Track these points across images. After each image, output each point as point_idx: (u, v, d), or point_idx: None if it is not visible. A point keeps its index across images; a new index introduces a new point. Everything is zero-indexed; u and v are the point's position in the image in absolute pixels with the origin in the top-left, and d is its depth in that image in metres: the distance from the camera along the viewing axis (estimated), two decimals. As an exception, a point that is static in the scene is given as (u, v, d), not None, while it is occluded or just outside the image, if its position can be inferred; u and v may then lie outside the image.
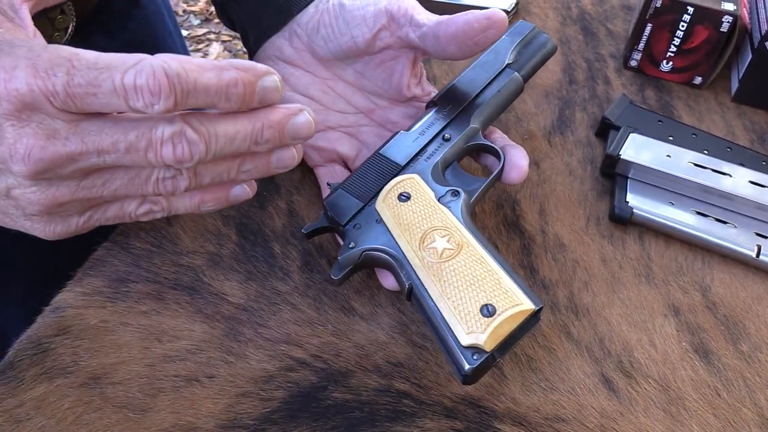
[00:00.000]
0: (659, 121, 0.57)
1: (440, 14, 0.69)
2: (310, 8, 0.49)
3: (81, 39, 0.54)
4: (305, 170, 0.53)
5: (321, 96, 0.51)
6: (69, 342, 0.41)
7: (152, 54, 0.32)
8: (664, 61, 0.63)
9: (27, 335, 0.42)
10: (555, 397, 0.40)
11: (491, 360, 0.37)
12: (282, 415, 0.39)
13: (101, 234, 0.47)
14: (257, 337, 0.42)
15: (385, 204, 0.43)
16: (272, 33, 0.50)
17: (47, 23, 0.50)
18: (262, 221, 0.49)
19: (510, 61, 0.50)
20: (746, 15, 0.63)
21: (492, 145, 0.47)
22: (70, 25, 0.52)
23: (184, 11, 2.50)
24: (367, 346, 0.42)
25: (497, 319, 0.36)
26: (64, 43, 0.52)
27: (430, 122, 0.47)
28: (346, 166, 0.51)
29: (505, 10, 0.69)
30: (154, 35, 0.64)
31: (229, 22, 0.54)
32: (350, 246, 0.42)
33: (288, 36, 0.50)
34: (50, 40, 0.51)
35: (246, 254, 0.47)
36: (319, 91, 0.51)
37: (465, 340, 0.36)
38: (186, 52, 0.73)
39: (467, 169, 0.51)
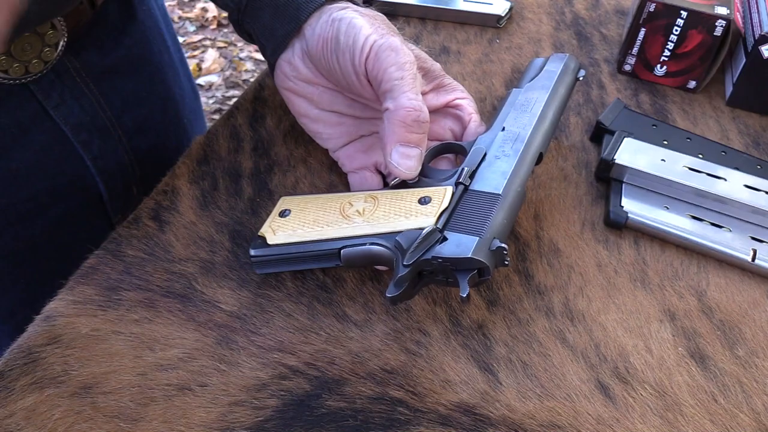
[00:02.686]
0: (654, 125, 0.57)
1: (435, 20, 0.69)
2: (317, 28, 0.48)
3: (73, 54, 0.54)
4: (298, 176, 0.53)
5: (347, 108, 0.52)
6: (60, 351, 0.41)
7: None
8: (658, 66, 0.63)
9: (17, 344, 0.41)
10: (551, 404, 0.40)
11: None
12: (275, 423, 0.38)
13: (93, 242, 0.47)
14: (250, 345, 0.42)
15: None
16: (287, 42, 0.50)
17: (37, 38, 0.49)
18: (255, 227, 0.49)
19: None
20: (739, 19, 0.63)
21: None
22: (61, 41, 0.51)
23: (180, 18, 2.51)
24: (361, 354, 0.42)
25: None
26: (56, 59, 0.51)
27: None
28: (377, 170, 0.51)
29: (499, 16, 0.69)
30: (150, 51, 0.63)
31: (248, 36, 0.54)
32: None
33: (301, 56, 0.50)
34: (40, 55, 0.50)
35: (239, 261, 0.46)
36: (344, 105, 0.51)
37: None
38: (184, 67, 0.72)
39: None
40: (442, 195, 0.44)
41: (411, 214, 0.43)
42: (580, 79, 0.55)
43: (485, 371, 0.41)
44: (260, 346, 0.42)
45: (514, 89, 0.53)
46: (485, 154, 0.47)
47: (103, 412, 0.38)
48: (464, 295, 0.39)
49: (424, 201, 0.43)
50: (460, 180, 0.45)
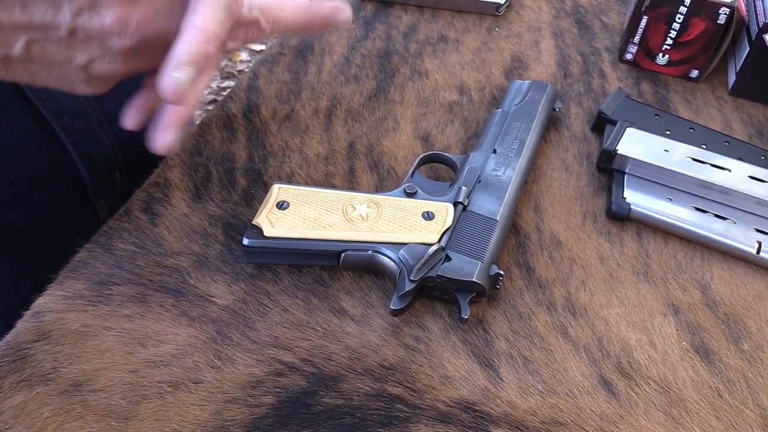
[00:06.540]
0: (656, 115, 0.56)
1: (433, 8, 0.68)
2: None
3: None
4: (294, 167, 0.51)
5: None
6: (49, 348, 0.40)
7: None
8: (660, 54, 0.62)
9: (6, 341, 0.40)
10: (553, 400, 0.39)
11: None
12: (271, 421, 0.37)
13: (77, 229, 0.46)
14: (245, 341, 0.41)
15: None
16: None
17: None
18: (249, 220, 0.47)
19: None
20: (743, 7, 0.62)
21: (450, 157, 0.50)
22: None
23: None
24: (359, 349, 0.41)
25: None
26: None
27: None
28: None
29: (498, 3, 0.67)
30: None
31: None
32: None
33: None
34: None
35: (233, 254, 0.45)
36: None
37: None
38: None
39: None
40: (444, 213, 0.45)
41: (415, 228, 0.44)
42: (556, 110, 0.56)
43: (486, 367, 0.41)
44: (255, 342, 0.41)
45: (498, 110, 0.54)
46: (479, 175, 0.48)
47: (93, 411, 0.37)
48: (466, 317, 0.41)
49: (427, 216, 0.45)
50: (459, 200, 0.46)
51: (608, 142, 0.52)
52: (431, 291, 0.43)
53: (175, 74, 0.38)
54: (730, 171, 0.50)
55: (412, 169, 0.49)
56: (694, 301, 0.45)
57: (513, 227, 0.48)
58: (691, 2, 0.58)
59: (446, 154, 0.51)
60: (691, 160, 0.51)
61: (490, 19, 0.68)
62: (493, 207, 0.46)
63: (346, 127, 0.55)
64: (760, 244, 0.47)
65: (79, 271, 0.44)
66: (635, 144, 0.51)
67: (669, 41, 0.61)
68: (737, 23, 0.59)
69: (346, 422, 0.38)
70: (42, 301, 0.42)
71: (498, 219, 0.45)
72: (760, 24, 0.57)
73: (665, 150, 0.51)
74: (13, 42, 0.35)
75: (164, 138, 0.42)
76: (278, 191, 0.46)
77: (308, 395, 0.39)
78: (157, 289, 0.43)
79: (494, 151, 0.50)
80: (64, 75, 0.37)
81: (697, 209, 0.49)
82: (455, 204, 0.46)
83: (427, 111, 0.57)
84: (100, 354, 0.40)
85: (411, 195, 0.46)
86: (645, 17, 0.60)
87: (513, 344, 0.42)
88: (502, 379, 0.40)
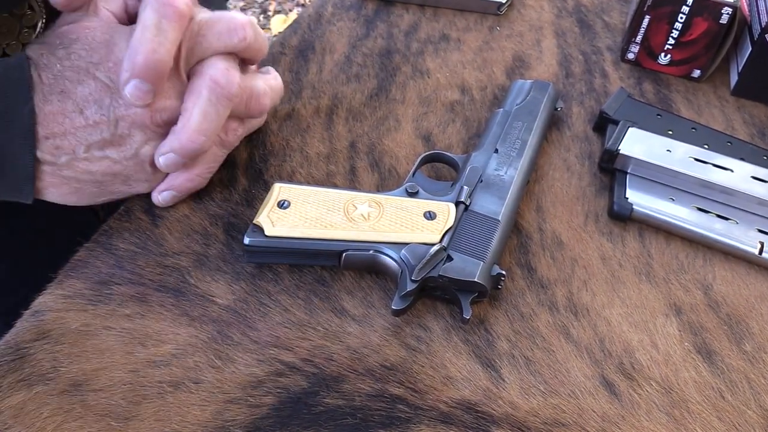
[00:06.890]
0: (658, 115, 0.56)
1: (434, 7, 0.68)
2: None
3: None
4: (294, 166, 0.51)
5: None
6: (49, 347, 0.40)
7: None
8: (663, 54, 0.62)
9: (5, 340, 0.40)
10: (555, 401, 0.39)
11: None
12: (271, 422, 0.37)
13: (82, 235, 0.46)
14: (245, 341, 0.41)
15: None
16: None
17: (14, 20, 0.48)
18: (250, 219, 0.47)
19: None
20: (746, 7, 0.62)
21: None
22: (39, 22, 0.49)
23: None
24: (360, 350, 0.41)
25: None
26: (34, 39, 0.50)
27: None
28: None
29: (500, 2, 0.67)
30: None
31: None
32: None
33: None
34: (18, 36, 0.48)
35: (233, 254, 0.45)
36: None
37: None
38: None
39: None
40: (446, 213, 0.45)
41: (417, 227, 0.44)
42: (558, 110, 0.56)
43: (487, 367, 0.40)
44: (256, 342, 0.41)
45: (500, 110, 0.54)
46: (481, 174, 0.48)
47: (93, 411, 0.37)
48: (467, 317, 0.41)
49: (429, 216, 0.45)
50: (461, 199, 0.46)
51: (610, 142, 0.51)
52: (433, 291, 0.43)
53: (158, 158, 0.43)
54: (732, 171, 0.50)
55: (413, 168, 0.49)
56: (696, 301, 0.45)
57: (515, 227, 0.48)
58: (693, 2, 0.57)
59: (448, 154, 0.50)
60: (693, 160, 0.51)
61: (491, 18, 0.68)
62: (495, 207, 0.46)
63: (347, 126, 0.55)
64: (762, 244, 0.47)
65: (79, 270, 0.44)
66: (637, 144, 0.51)
67: (671, 41, 0.60)
68: (739, 23, 0.59)
69: (347, 423, 0.37)
70: (42, 300, 0.42)
71: (500, 219, 0.45)
72: (763, 24, 0.57)
73: (667, 150, 0.51)
74: (76, 145, 0.41)
75: (156, 196, 0.46)
76: (279, 190, 0.46)
77: (309, 395, 0.38)
78: (157, 289, 0.43)
79: (496, 151, 0.50)
80: (126, 175, 0.43)
81: (699, 209, 0.49)
82: (457, 204, 0.46)
83: (428, 110, 0.57)
84: (99, 353, 0.40)
85: (412, 194, 0.46)
86: (647, 17, 0.60)
87: (515, 345, 0.42)
88: (503, 380, 0.40)
